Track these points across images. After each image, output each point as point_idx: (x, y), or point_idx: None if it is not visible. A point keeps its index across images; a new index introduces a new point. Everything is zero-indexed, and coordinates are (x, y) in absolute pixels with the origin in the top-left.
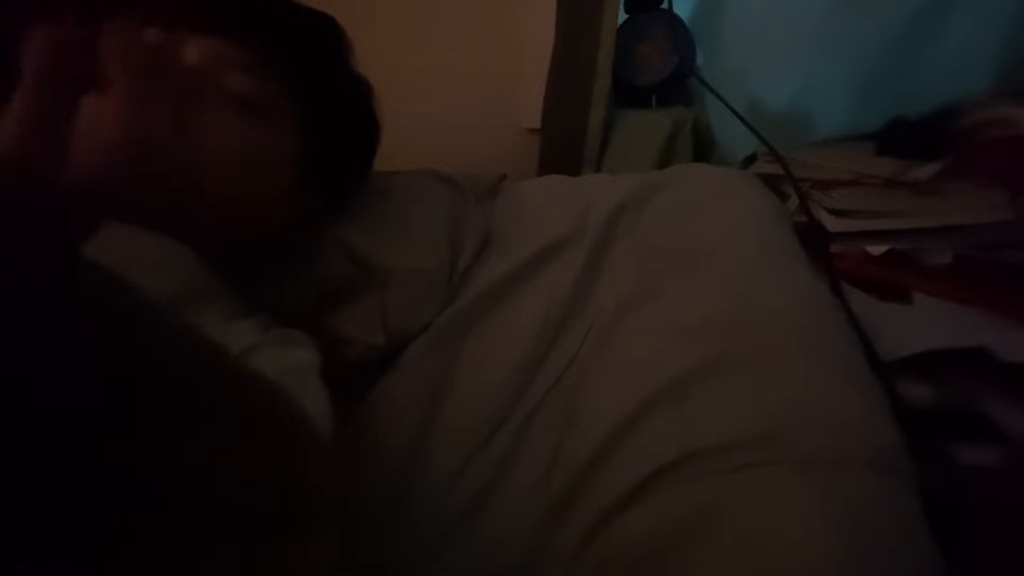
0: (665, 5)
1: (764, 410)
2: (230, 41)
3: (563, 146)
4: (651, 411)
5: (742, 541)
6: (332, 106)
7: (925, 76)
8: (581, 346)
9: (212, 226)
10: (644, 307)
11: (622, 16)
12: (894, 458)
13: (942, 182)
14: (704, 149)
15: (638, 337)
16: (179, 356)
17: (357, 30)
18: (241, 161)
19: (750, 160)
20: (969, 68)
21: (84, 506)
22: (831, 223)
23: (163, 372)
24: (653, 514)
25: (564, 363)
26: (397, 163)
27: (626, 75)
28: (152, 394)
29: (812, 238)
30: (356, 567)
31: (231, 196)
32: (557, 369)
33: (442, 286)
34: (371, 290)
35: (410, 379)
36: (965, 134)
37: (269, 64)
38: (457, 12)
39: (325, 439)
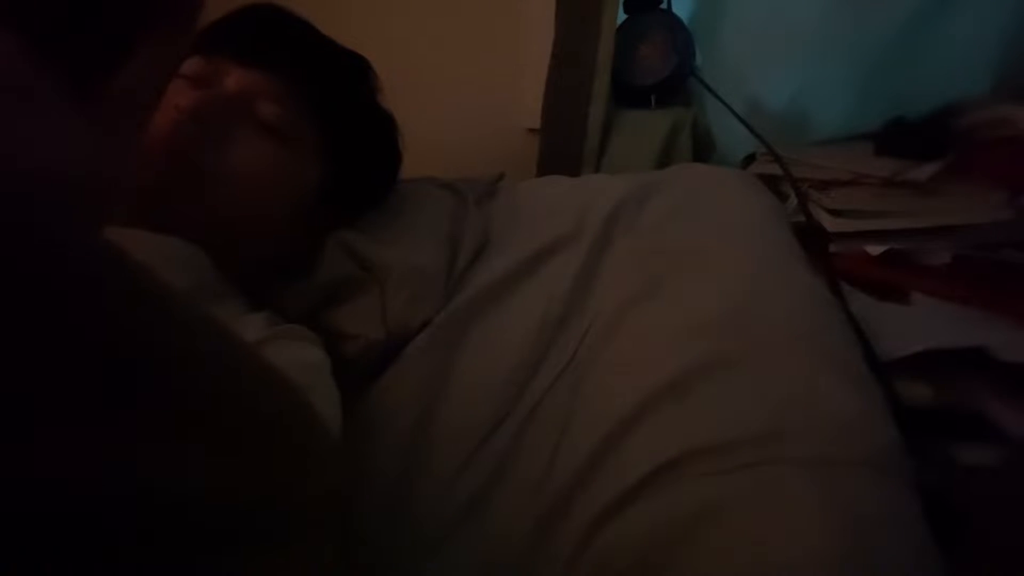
0: (664, 5)
1: (763, 410)
2: (267, 73)
3: (563, 146)
4: (650, 410)
5: (742, 540)
6: (355, 138)
7: (925, 76)
8: (580, 345)
9: (233, 235)
10: (643, 306)
11: (622, 16)
12: (893, 457)
13: (941, 182)
14: (703, 149)
15: (637, 336)
16: (192, 346)
17: (358, 31)
18: (264, 179)
19: (749, 160)
20: (969, 68)
21: (73, 508)
22: (830, 223)
23: (172, 361)
24: (653, 512)
25: (563, 362)
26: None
27: (626, 75)
28: (159, 385)
29: (811, 238)
30: (355, 566)
31: (252, 209)
32: (556, 368)
33: (441, 284)
34: (371, 288)
35: (409, 377)
36: (965, 134)
37: (301, 96)
38: (457, 12)
39: (335, 438)
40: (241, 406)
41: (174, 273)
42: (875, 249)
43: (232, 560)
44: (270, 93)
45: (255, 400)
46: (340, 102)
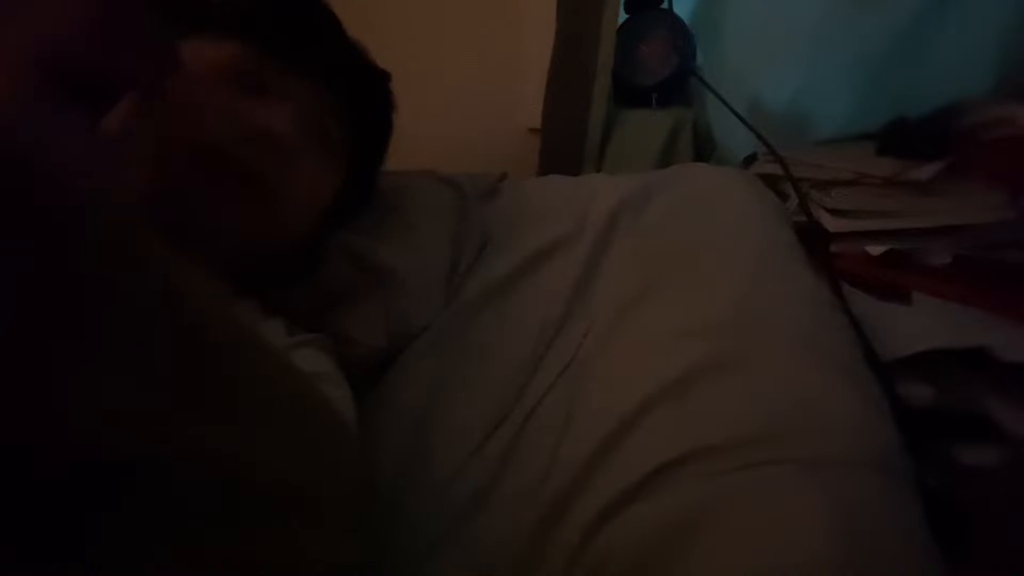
0: (665, 5)
1: (764, 410)
2: (328, 89)
3: (563, 146)
4: (651, 410)
5: (742, 540)
6: (377, 153)
7: (925, 76)
8: (581, 345)
9: (260, 243)
10: (644, 306)
11: (622, 16)
12: (894, 458)
13: (942, 182)
14: (704, 149)
15: (638, 336)
16: (233, 340)
17: (359, 30)
18: (315, 194)
19: (750, 160)
20: (969, 68)
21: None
22: (831, 223)
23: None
24: (652, 513)
25: (564, 362)
26: (398, 162)
27: (626, 75)
28: (200, 368)
29: (812, 238)
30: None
31: (293, 220)
32: (557, 368)
33: (442, 286)
34: (373, 292)
35: (410, 379)
36: (965, 134)
37: (346, 111)
38: (458, 13)
39: (355, 439)
40: (272, 392)
41: None
42: (876, 249)
43: (263, 538)
44: (331, 110)
45: (286, 388)
46: (375, 121)
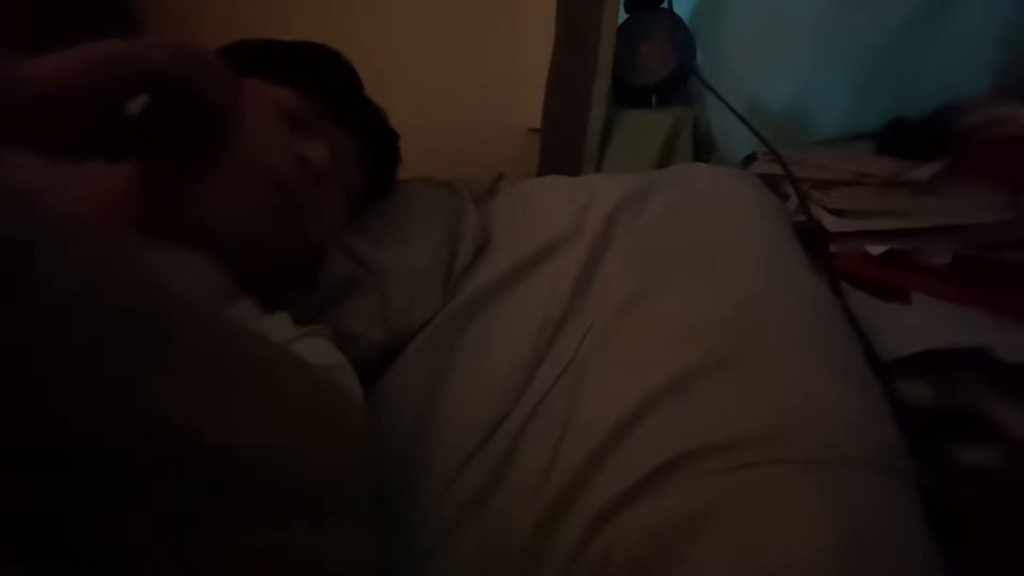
0: (665, 5)
1: (763, 409)
2: (355, 141)
3: (563, 146)
4: (650, 410)
5: (741, 540)
6: (384, 180)
7: (925, 76)
8: (581, 345)
9: (271, 259)
10: (643, 306)
11: (622, 16)
12: (893, 457)
13: (942, 182)
14: (704, 149)
15: (637, 336)
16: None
17: (359, 30)
18: (334, 228)
19: (750, 160)
20: (969, 68)
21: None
22: (831, 223)
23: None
24: (653, 512)
25: (564, 362)
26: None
27: (626, 75)
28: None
29: (812, 238)
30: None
31: (307, 245)
32: (557, 368)
33: (439, 284)
34: (369, 289)
35: (410, 377)
36: (965, 134)
37: (365, 160)
38: (457, 12)
39: (362, 421)
40: (274, 390)
41: (190, 278)
42: (876, 249)
43: (269, 532)
44: (353, 158)
45: (287, 385)
46: (383, 173)
